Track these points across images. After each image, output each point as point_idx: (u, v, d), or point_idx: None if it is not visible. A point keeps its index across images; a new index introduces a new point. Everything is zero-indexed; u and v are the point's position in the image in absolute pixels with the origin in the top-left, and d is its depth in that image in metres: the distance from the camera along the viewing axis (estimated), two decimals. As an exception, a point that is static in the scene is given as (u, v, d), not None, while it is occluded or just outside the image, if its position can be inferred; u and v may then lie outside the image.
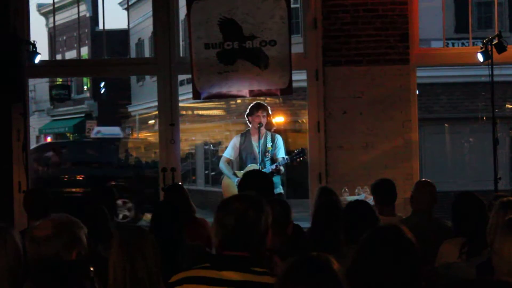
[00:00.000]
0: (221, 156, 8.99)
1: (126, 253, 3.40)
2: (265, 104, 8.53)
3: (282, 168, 8.30)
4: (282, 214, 4.64)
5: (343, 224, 4.67)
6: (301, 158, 8.27)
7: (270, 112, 8.47)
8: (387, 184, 6.14)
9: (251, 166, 8.28)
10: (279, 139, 8.49)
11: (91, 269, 3.25)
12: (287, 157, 8.26)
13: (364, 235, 2.82)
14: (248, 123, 8.50)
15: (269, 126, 8.55)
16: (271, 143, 8.38)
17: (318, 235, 5.01)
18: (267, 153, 8.34)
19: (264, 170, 8.13)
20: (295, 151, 8.32)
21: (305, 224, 6.40)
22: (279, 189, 8.29)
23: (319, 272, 2.41)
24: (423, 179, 6.46)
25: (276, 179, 8.29)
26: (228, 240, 3.01)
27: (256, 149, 8.28)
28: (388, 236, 2.77)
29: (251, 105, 8.48)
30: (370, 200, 6.70)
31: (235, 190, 7.78)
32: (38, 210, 5.52)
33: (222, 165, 8.76)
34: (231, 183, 8.43)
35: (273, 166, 8.20)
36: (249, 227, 2.99)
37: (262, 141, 8.34)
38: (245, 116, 8.54)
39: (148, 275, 3.38)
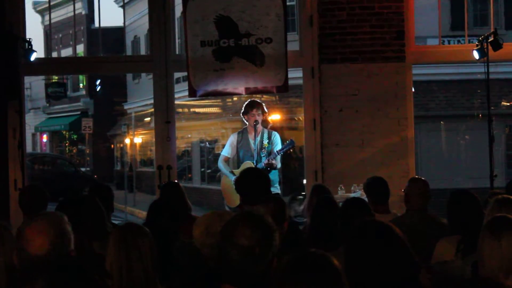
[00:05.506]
0: (217, 154, 8.98)
1: (122, 251, 3.40)
2: (259, 102, 8.50)
3: (275, 162, 8.24)
4: (278, 212, 4.65)
5: (340, 221, 4.67)
6: (291, 150, 8.29)
7: (265, 109, 8.45)
8: (380, 183, 6.10)
9: (247, 163, 8.26)
10: (276, 136, 8.48)
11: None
12: (277, 150, 8.24)
13: (348, 233, 2.87)
14: (245, 121, 8.47)
15: (265, 123, 8.53)
16: (267, 140, 8.37)
17: (316, 232, 5.02)
18: (263, 149, 8.33)
19: (258, 165, 8.12)
20: (285, 143, 8.33)
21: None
22: (276, 189, 8.24)
23: (318, 269, 2.40)
24: (416, 176, 6.45)
25: (273, 176, 8.27)
26: (229, 274, 2.79)
27: (253, 147, 8.27)
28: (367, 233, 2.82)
29: (246, 103, 8.44)
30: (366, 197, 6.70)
31: (234, 189, 7.76)
32: (34, 207, 5.50)
33: (221, 164, 8.72)
34: (230, 183, 8.39)
35: (266, 161, 8.17)
36: (254, 264, 2.76)
37: (259, 138, 8.34)
38: (241, 114, 8.51)
39: (145, 273, 3.37)
